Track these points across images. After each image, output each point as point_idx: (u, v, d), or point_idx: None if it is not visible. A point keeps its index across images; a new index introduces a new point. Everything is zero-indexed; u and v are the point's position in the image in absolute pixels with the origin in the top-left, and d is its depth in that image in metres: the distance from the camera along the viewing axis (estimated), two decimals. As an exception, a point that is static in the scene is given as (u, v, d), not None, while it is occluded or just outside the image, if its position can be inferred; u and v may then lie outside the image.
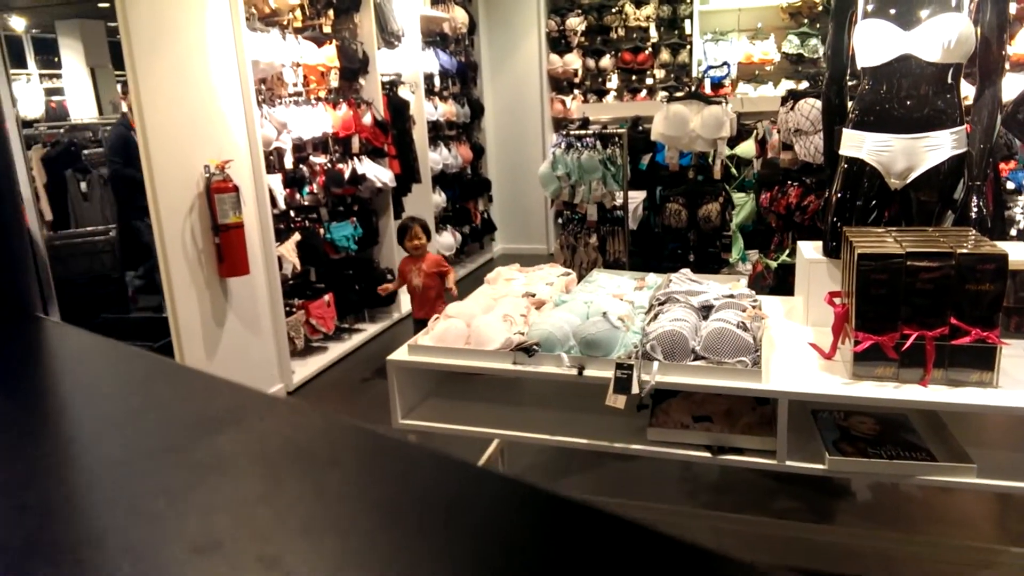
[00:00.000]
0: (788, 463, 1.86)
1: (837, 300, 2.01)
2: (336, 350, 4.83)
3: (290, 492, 0.38)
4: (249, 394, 0.47)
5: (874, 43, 2.29)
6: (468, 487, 0.38)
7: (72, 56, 7.69)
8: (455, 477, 0.39)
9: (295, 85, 4.57)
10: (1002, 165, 3.87)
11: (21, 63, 7.90)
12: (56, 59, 7.90)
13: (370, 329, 5.27)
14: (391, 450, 0.42)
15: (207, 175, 3.64)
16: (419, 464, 0.41)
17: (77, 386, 0.56)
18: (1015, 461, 1.82)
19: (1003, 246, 1.82)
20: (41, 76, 8.26)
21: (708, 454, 1.93)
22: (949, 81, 2.25)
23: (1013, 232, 3.94)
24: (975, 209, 2.27)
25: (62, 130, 5.46)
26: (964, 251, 1.76)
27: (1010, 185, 4.18)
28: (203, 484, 0.38)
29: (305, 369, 4.53)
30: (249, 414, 0.45)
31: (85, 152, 5.04)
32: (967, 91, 2.52)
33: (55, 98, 8.12)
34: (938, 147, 2.25)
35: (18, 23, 7.42)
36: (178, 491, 0.37)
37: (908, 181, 2.31)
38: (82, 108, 7.70)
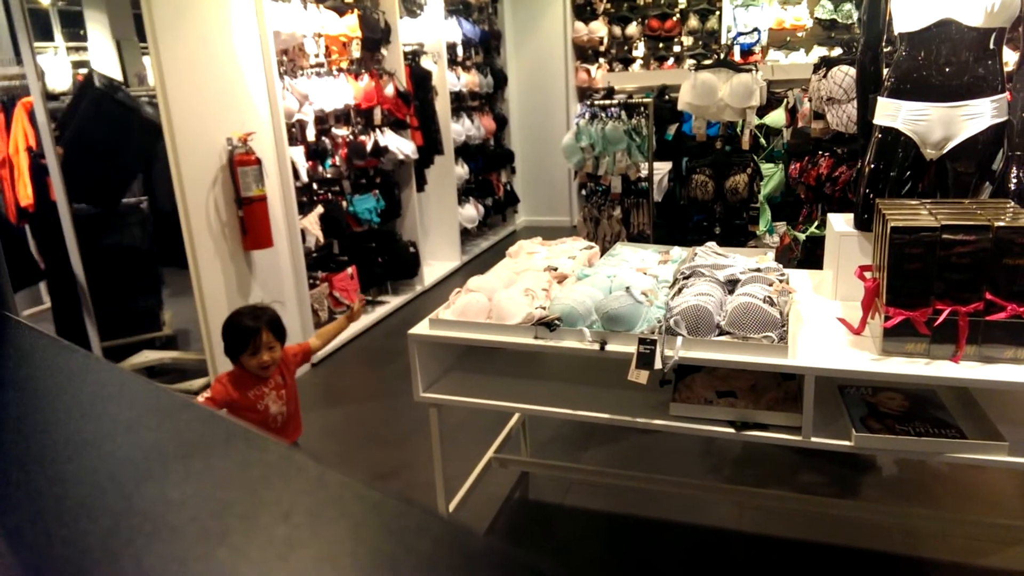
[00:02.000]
0: (814, 439, 1.84)
1: (867, 274, 1.96)
2: (359, 322, 4.86)
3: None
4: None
5: (912, 7, 2.20)
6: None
7: (98, 29, 7.70)
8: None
9: (316, 56, 4.54)
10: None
11: (48, 35, 7.94)
12: (82, 31, 7.92)
13: (393, 301, 5.30)
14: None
15: (230, 148, 3.65)
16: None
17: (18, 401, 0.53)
18: (1049, 440, 1.77)
19: (1043, 219, 1.76)
20: (68, 49, 8.31)
21: (731, 430, 1.91)
22: (991, 47, 2.15)
23: (1053, 203, 3.81)
24: (1015, 180, 2.19)
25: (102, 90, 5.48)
26: (1002, 224, 1.69)
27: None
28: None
29: (329, 341, 4.57)
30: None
31: (111, 125, 5.07)
32: (1009, 57, 2.42)
33: (82, 71, 8.17)
34: (977, 116, 2.16)
35: (44, -5, 7.45)
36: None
37: (945, 151, 2.24)
38: (108, 81, 7.73)
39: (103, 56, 7.75)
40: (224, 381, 2.27)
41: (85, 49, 7.94)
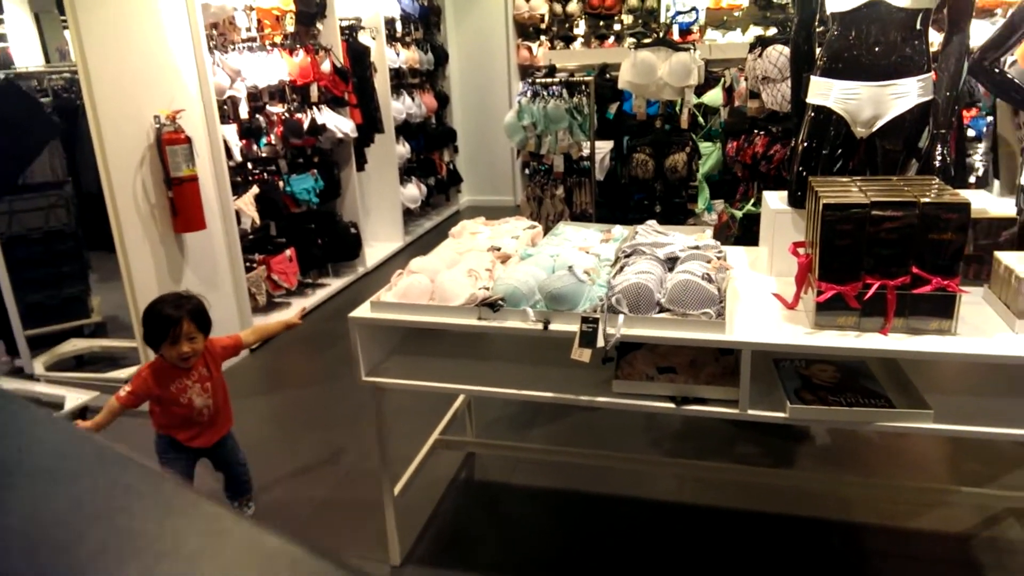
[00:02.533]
0: (750, 412, 1.88)
1: (801, 250, 2.01)
2: (299, 306, 4.76)
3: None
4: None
5: (843, -13, 2.24)
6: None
7: (14, 1, 7.26)
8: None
9: (248, 30, 4.38)
10: (964, 112, 3.89)
11: (-43, 7, 7.43)
12: (-4, 3, 7.44)
13: (334, 284, 5.20)
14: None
15: (157, 126, 3.49)
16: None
17: None
18: (970, 406, 1.86)
19: (963, 194, 1.83)
20: (-19, 22, 7.80)
21: (672, 405, 1.94)
22: (918, 27, 2.21)
23: (972, 179, 3.98)
24: (939, 157, 2.27)
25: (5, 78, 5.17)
26: (927, 200, 1.75)
27: (971, 132, 4.21)
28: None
29: (269, 325, 4.45)
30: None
31: (29, 102, 4.79)
32: (934, 37, 2.49)
33: (-1, 44, 7.69)
34: (904, 95, 2.23)
35: (-49, -37, 6.95)
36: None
37: (874, 129, 2.30)
38: (27, 56, 7.32)
39: (21, 30, 7.31)
40: (145, 375, 2.17)
41: (1, 22, 7.47)
